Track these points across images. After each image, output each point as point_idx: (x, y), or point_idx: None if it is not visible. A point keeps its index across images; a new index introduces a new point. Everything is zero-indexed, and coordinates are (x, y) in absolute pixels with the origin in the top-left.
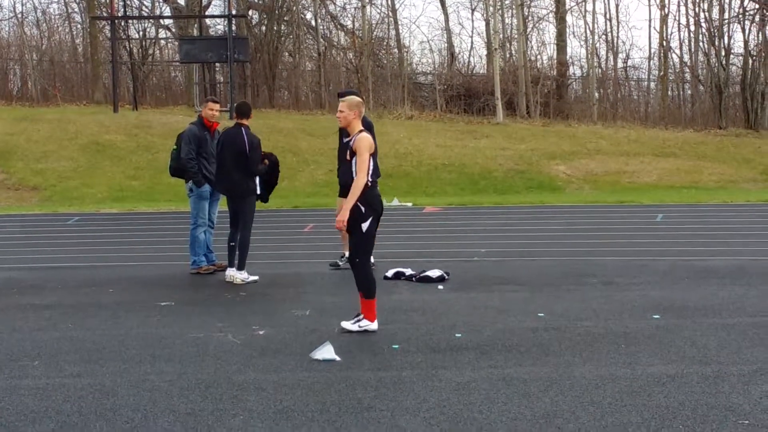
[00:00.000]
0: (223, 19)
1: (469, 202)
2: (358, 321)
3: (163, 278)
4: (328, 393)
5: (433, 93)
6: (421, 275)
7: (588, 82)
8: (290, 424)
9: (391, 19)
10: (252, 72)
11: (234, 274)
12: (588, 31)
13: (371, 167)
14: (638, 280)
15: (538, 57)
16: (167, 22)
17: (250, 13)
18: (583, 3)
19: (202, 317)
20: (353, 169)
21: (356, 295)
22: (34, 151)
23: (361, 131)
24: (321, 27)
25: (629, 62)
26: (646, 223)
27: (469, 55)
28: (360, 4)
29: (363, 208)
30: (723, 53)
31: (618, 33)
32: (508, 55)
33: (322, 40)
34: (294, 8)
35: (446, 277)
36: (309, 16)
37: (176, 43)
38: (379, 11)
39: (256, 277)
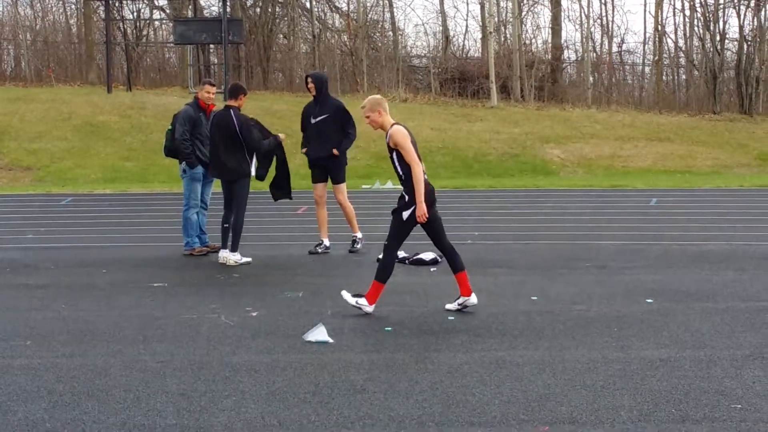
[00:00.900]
0: (217, 0)
1: (462, 186)
2: (358, 298)
3: (157, 259)
4: (320, 375)
5: (427, 76)
6: (414, 258)
7: (583, 66)
8: (282, 406)
9: (386, 1)
10: (246, 54)
11: (227, 256)
12: (583, 15)
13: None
14: (632, 264)
15: (533, 41)
16: (161, 2)
17: None
18: None
19: (195, 298)
20: (396, 165)
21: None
22: (27, 131)
23: (393, 125)
24: (316, 9)
25: (624, 46)
26: (640, 207)
27: (464, 38)
28: None
29: (407, 198)
30: (718, 38)
31: (613, 17)
32: (502, 39)
33: (316, 22)
34: None
35: (439, 260)
36: None
37: (170, 24)
38: None
39: (249, 259)
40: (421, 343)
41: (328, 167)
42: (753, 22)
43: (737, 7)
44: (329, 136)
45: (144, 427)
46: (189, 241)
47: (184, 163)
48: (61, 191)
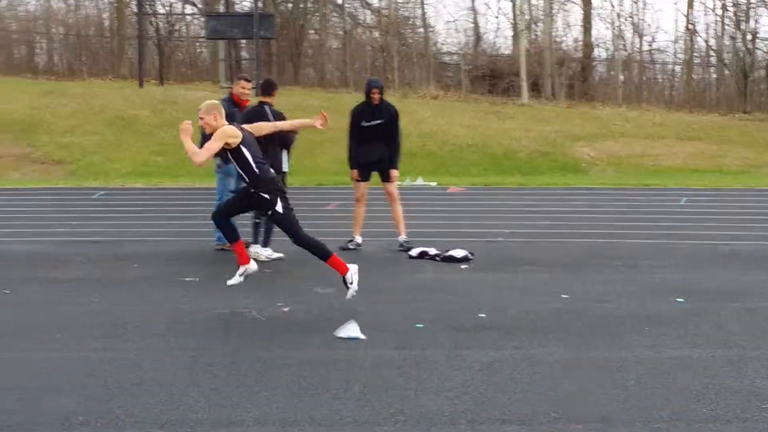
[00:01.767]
0: None
1: (493, 183)
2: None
3: (188, 254)
4: (351, 371)
5: (458, 73)
6: (446, 255)
7: (613, 65)
8: (314, 401)
9: None
10: (277, 49)
11: (259, 251)
12: (614, 13)
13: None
14: (662, 263)
15: (564, 39)
16: None
17: None
18: None
19: (226, 293)
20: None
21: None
22: (59, 125)
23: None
24: (347, 5)
25: (654, 45)
26: (670, 206)
27: (495, 35)
28: None
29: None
30: (749, 37)
31: (644, 15)
32: (533, 36)
33: (347, 18)
34: None
35: (470, 257)
36: None
37: (202, 19)
38: None
39: (281, 254)
40: (452, 340)
41: (377, 170)
42: None
43: None
44: (381, 141)
45: (176, 422)
46: (221, 235)
47: (218, 158)
48: (92, 185)
